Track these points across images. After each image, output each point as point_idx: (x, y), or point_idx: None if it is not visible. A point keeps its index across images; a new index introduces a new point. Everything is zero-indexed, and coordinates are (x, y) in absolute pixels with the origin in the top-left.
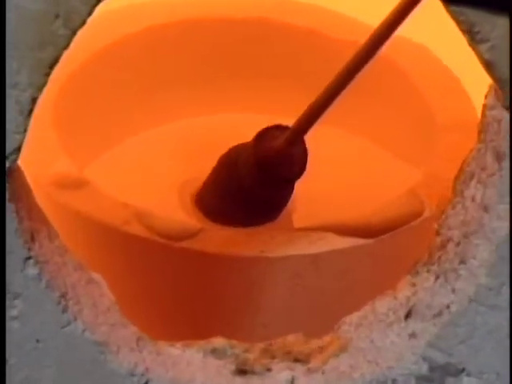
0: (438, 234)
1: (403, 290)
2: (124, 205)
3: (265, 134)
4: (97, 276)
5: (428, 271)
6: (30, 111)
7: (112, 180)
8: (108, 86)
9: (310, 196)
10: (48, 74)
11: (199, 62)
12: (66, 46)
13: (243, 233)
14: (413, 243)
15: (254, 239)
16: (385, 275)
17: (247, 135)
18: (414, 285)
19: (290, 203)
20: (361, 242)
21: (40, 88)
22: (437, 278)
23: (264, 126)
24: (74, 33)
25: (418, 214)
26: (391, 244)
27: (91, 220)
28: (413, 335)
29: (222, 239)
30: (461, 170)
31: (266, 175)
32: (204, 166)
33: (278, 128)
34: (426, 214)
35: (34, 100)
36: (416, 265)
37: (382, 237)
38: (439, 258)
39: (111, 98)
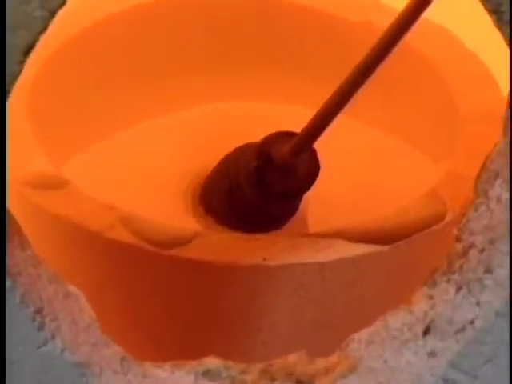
0: (458, 239)
1: (420, 304)
2: (108, 207)
3: (269, 141)
4: (74, 289)
5: (448, 282)
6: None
7: (94, 179)
8: (90, 74)
9: (316, 197)
10: (22, 62)
11: (192, 45)
12: (43, 30)
13: (242, 239)
14: (433, 250)
15: (253, 246)
16: (401, 286)
17: (249, 127)
18: (431, 297)
19: None
20: (374, 249)
21: (14, 78)
22: (458, 289)
23: (261, 116)
24: (52, 14)
25: (440, 218)
26: (409, 251)
27: (71, 224)
28: (432, 354)
29: (217, 246)
30: (484, 167)
31: (266, 188)
32: (200, 165)
33: (286, 135)
34: (449, 217)
35: (7, 92)
36: (433, 274)
37: (399, 243)
38: (461, 266)
39: (94, 86)
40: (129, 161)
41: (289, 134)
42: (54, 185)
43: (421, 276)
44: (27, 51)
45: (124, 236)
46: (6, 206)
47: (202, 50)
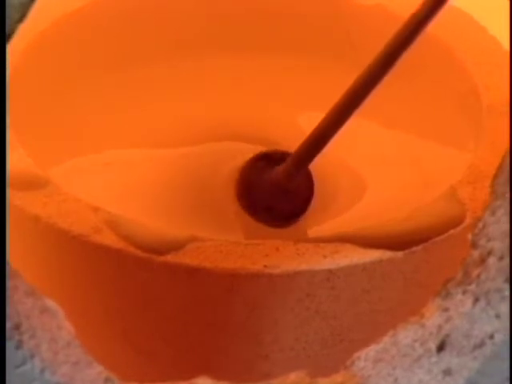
0: (474, 246)
1: (433, 317)
2: (94, 209)
3: (257, 161)
4: (52, 304)
5: (464, 293)
6: None
7: (79, 179)
8: (74, 62)
9: (324, 198)
10: None
11: (185, 29)
12: (21, 19)
13: (241, 244)
14: (451, 256)
15: (254, 252)
16: (417, 296)
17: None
18: (446, 310)
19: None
20: (387, 255)
21: None
22: (476, 300)
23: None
24: (31, 0)
25: (459, 221)
26: (425, 257)
27: (53, 227)
28: (447, 372)
29: (214, 252)
30: (501, 166)
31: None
32: (195, 162)
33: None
34: (468, 220)
35: None
36: (447, 285)
37: (414, 248)
38: (478, 276)
39: (78, 76)
40: (109, 159)
41: (281, 153)
42: (34, 184)
43: (438, 284)
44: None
45: (111, 240)
46: (5, 206)
47: (195, 35)
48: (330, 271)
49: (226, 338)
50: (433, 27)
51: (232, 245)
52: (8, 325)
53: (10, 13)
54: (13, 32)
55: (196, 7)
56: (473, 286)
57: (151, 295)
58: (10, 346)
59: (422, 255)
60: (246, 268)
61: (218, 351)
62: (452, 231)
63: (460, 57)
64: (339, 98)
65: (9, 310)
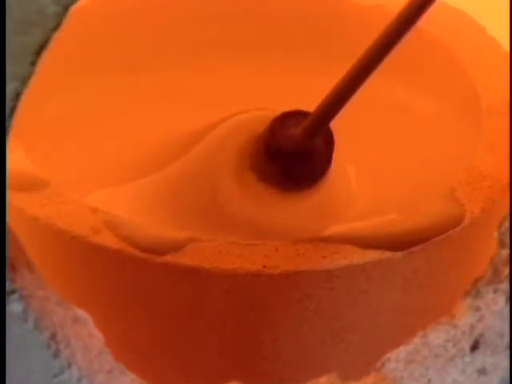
0: (502, 245)
1: (464, 317)
2: (93, 209)
3: (281, 122)
4: (82, 313)
5: (495, 291)
6: (13, 109)
7: (78, 179)
8: (74, 62)
9: (323, 198)
10: (34, 63)
11: (185, 29)
12: (56, 27)
13: (240, 244)
14: (450, 257)
15: (253, 252)
16: (416, 297)
17: None
18: (478, 309)
19: (297, 208)
20: (386, 255)
21: (25, 80)
22: (508, 299)
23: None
24: (65, 9)
25: (458, 221)
26: (424, 258)
27: (52, 228)
28: (482, 371)
29: (214, 252)
30: None
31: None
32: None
33: (299, 115)
34: (467, 220)
35: (17, 95)
36: (477, 284)
37: (413, 249)
38: (508, 274)
39: (78, 76)
40: (109, 159)
41: (301, 114)
42: (33, 186)
43: (437, 284)
44: (39, 51)
45: (110, 241)
46: (5, 207)
47: (197, 35)
48: (329, 272)
49: (225, 339)
50: (432, 27)
51: (231, 245)
52: (45, 334)
53: (44, 22)
54: (48, 41)
55: (196, 7)
56: (504, 285)
57: (150, 296)
58: (47, 355)
59: (421, 256)
60: (246, 268)
61: (217, 352)
62: (451, 232)
63: (459, 57)
64: (360, 56)
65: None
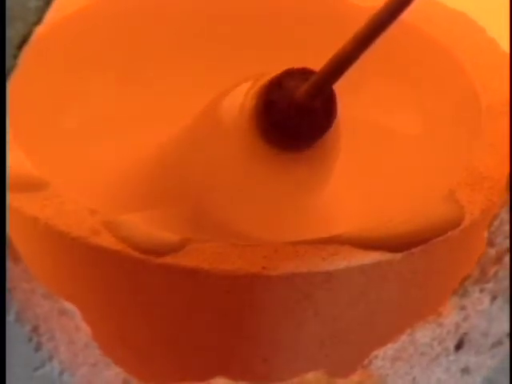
0: (491, 244)
1: (450, 315)
2: (92, 211)
3: (282, 79)
4: (70, 306)
5: (481, 291)
6: None
7: (77, 180)
8: (74, 63)
9: (322, 199)
10: (16, 56)
11: (185, 29)
12: (38, 21)
13: (239, 245)
14: (449, 258)
15: (252, 253)
16: (415, 298)
17: None
18: (463, 308)
19: (297, 209)
20: (385, 256)
21: (7, 73)
22: (493, 298)
23: None
24: (47, 4)
25: (457, 222)
26: (423, 259)
27: (52, 229)
28: (466, 370)
29: (212, 253)
30: None
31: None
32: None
33: (303, 73)
34: (467, 221)
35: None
36: (464, 283)
37: (412, 250)
38: (495, 273)
39: (78, 77)
40: (109, 160)
41: (305, 72)
42: (33, 186)
43: (437, 286)
44: (21, 45)
45: (109, 242)
46: (5, 208)
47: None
48: (328, 273)
49: (223, 339)
50: (431, 28)
51: (230, 246)
52: (27, 327)
53: (26, 16)
54: (30, 35)
55: (196, 7)
56: (490, 284)
57: (149, 297)
58: (28, 348)
59: (420, 257)
60: (245, 269)
61: (216, 353)
62: (450, 233)
63: (459, 57)
64: (367, 20)
65: (6, 304)
